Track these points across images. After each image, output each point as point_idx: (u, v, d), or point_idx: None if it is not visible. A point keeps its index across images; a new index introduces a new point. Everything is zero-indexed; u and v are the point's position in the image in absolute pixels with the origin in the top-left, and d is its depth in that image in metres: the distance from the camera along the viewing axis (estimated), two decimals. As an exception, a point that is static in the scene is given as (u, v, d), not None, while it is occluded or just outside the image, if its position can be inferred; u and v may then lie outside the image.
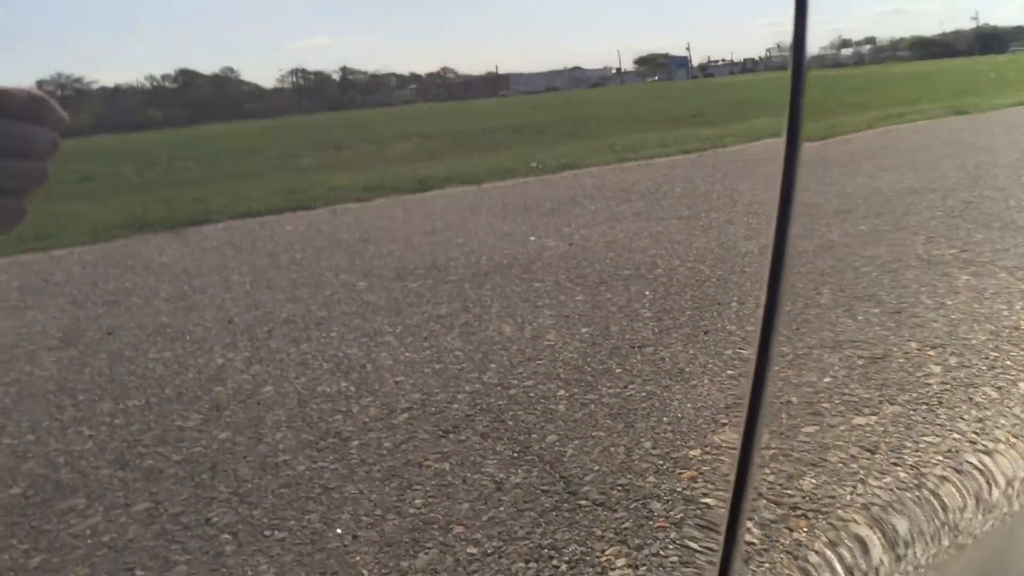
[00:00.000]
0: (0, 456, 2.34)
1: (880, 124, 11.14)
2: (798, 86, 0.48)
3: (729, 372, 2.51)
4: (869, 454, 1.92)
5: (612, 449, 2.09)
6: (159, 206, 7.80)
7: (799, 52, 0.48)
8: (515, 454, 2.11)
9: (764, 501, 1.74)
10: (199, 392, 2.73)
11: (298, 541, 1.78)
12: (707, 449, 2.05)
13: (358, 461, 2.14)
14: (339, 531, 1.80)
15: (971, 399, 2.14)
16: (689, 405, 2.32)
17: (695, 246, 4.39)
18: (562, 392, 2.50)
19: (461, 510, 1.85)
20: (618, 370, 2.66)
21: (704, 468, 1.95)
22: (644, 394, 2.44)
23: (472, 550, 1.70)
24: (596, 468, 2.00)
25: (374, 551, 1.71)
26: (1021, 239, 3.93)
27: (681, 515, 1.75)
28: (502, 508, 1.84)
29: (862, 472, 1.83)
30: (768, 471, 1.88)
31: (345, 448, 2.21)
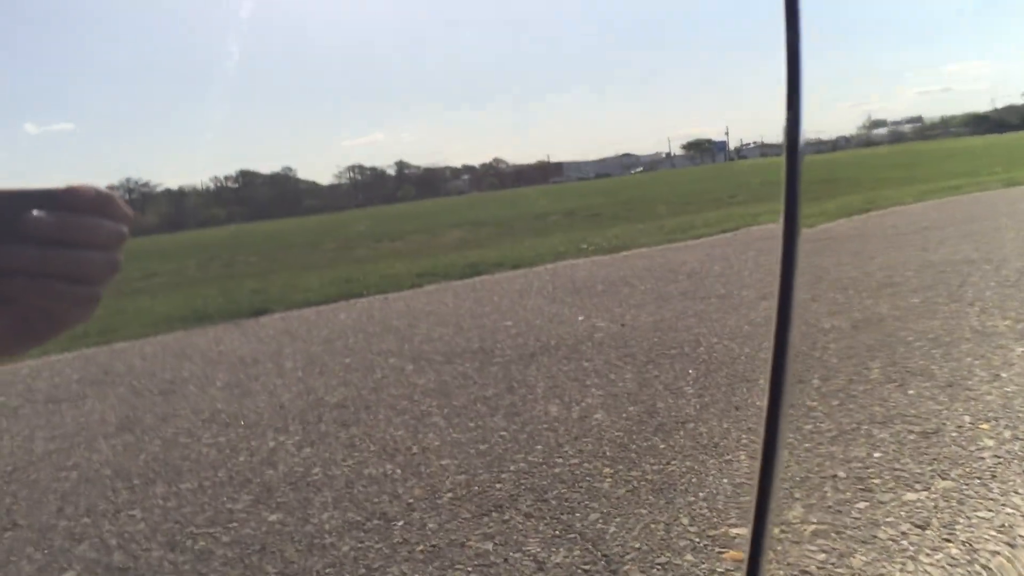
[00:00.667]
0: (57, 539, 2.40)
1: (931, 196, 11.06)
2: (793, 167, 0.48)
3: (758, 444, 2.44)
4: (920, 530, 1.87)
5: (652, 526, 2.07)
6: (219, 298, 8.04)
7: (793, 133, 0.48)
8: (558, 533, 2.10)
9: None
10: (250, 475, 2.78)
11: None
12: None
13: (401, 541, 2.15)
14: None
15: (1026, 472, 2.15)
16: (726, 480, 2.31)
17: (728, 324, 4.40)
18: (607, 470, 2.50)
19: None
20: (662, 446, 2.65)
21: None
22: (684, 469, 2.42)
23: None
24: (637, 546, 1.99)
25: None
26: None
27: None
28: None
29: (912, 549, 1.79)
30: (816, 547, 1.85)
31: (389, 528, 2.23)
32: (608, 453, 2.62)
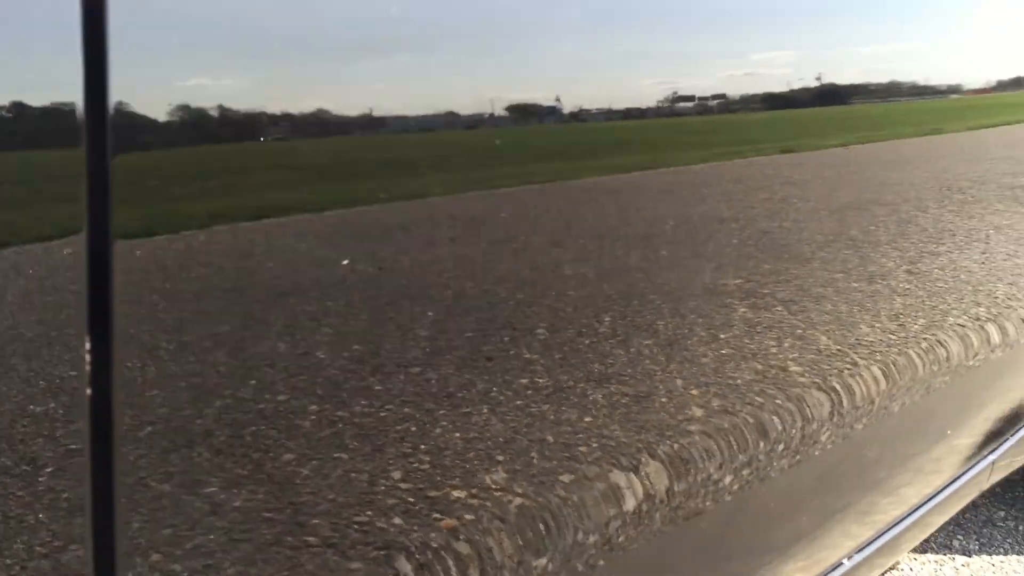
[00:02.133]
0: None
1: (714, 160, 11.79)
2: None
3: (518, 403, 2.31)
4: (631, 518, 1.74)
5: (353, 476, 1.81)
6: None
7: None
8: (245, 473, 1.79)
9: None
10: None
11: None
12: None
13: (46, 489, 1.74)
14: (7, 560, 1.43)
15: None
16: (458, 435, 2.10)
17: (497, 269, 4.21)
18: (313, 407, 2.22)
19: (162, 536, 1.51)
20: (378, 388, 2.41)
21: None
22: (400, 416, 2.20)
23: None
24: (331, 497, 1.72)
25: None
26: (803, 271, 4.04)
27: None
28: (211, 536, 1.52)
29: None
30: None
31: (37, 475, 1.81)
32: (319, 392, 2.34)
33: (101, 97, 0.45)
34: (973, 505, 2.45)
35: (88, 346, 0.49)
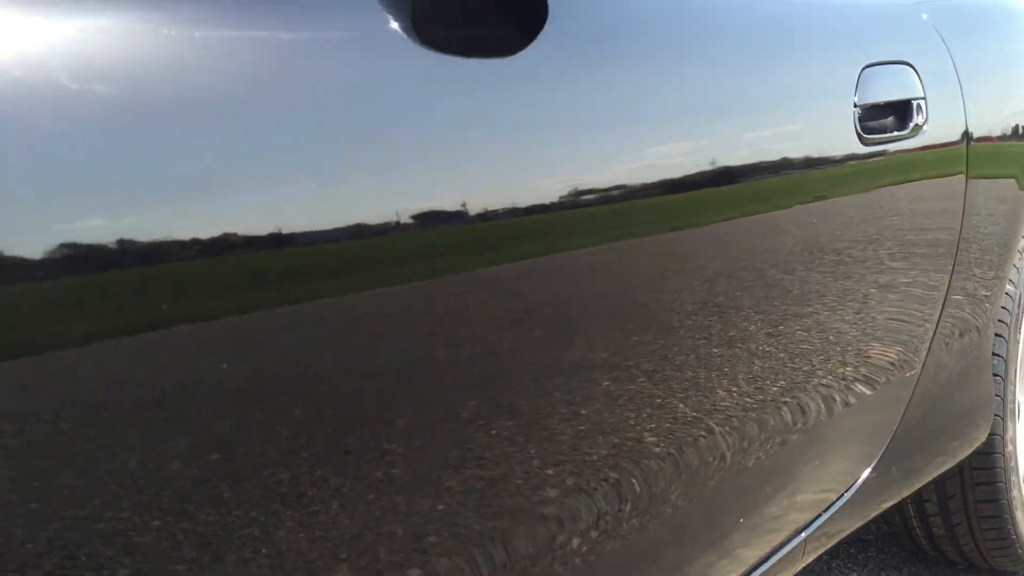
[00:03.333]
0: None
1: (605, 243, 11.92)
2: None
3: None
4: None
5: None
6: None
7: None
8: None
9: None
10: None
11: None
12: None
13: None
14: None
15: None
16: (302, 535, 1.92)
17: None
18: (156, 523, 1.98)
19: None
20: (227, 495, 2.17)
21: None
22: (247, 520, 1.99)
23: None
24: None
25: None
26: (668, 340, 4.11)
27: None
28: None
29: None
30: None
31: None
32: (164, 505, 2.10)
33: None
34: (828, 568, 2.48)
35: None
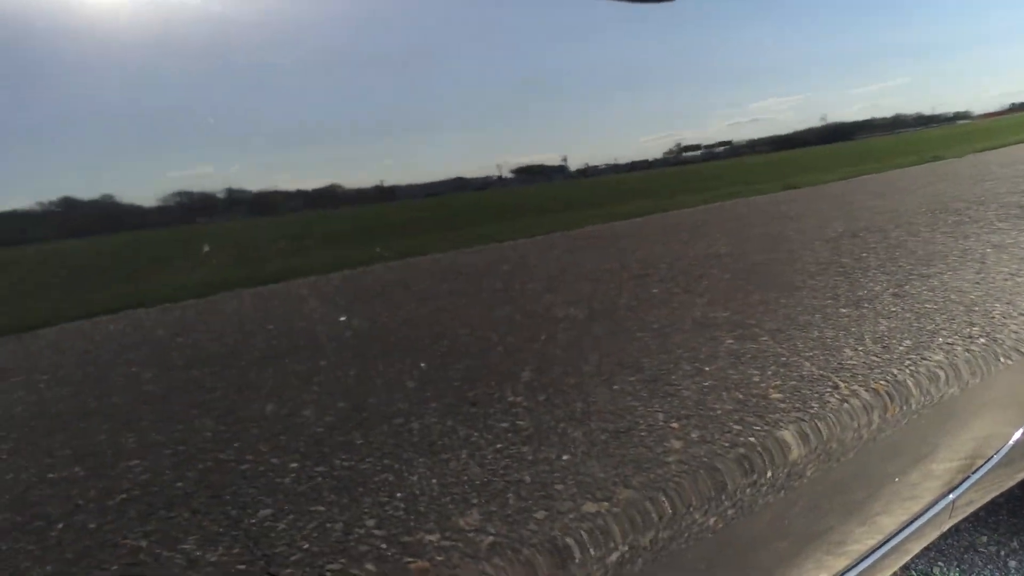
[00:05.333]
0: None
1: (713, 201, 11.90)
2: None
3: (498, 446, 2.27)
4: (599, 549, 1.71)
5: (328, 526, 1.80)
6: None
7: None
8: (220, 530, 1.79)
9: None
10: None
11: None
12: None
13: (55, 544, 1.75)
14: None
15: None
16: (435, 481, 2.07)
17: (492, 316, 4.21)
18: (293, 465, 2.21)
19: None
20: (359, 441, 2.39)
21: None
22: (380, 467, 2.17)
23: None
24: (305, 547, 1.71)
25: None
26: (791, 300, 4.06)
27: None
28: None
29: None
30: (491, 568, 1.64)
31: (48, 530, 1.82)
32: (301, 449, 2.33)
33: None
34: (955, 530, 2.41)
35: None
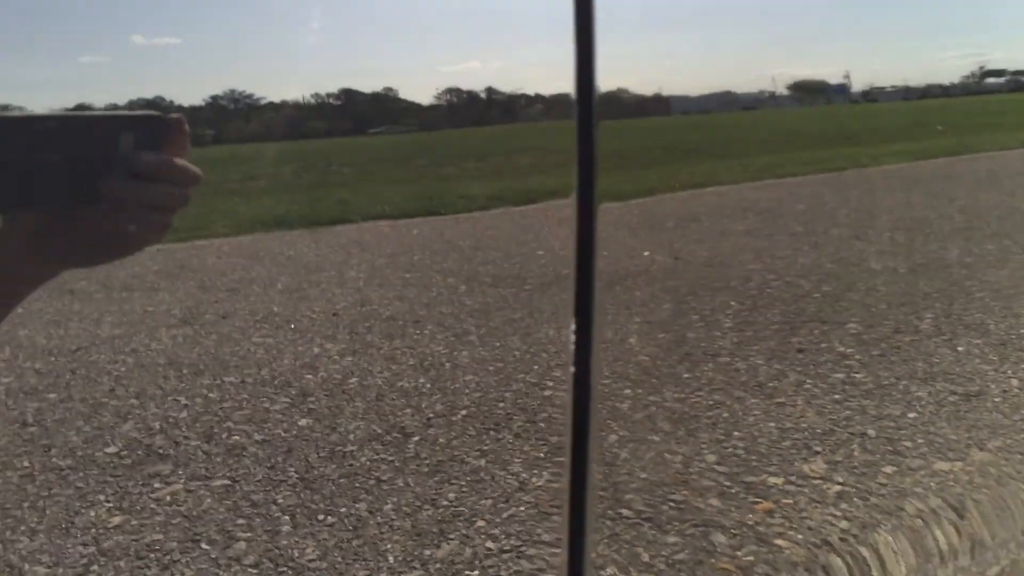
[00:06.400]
0: (106, 415, 2.58)
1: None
2: (588, 131, 0.44)
3: (835, 396, 2.31)
4: (952, 512, 1.66)
5: (668, 457, 1.98)
6: (304, 206, 8.16)
7: (586, 98, 0.44)
8: (543, 455, 2.14)
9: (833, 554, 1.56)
10: (290, 377, 2.91)
11: (343, 528, 1.88)
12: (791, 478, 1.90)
13: (413, 455, 2.24)
14: (379, 520, 1.90)
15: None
16: (772, 424, 2.15)
17: (799, 261, 4.20)
18: (627, 392, 2.44)
19: (485, 505, 1.91)
20: (686, 375, 2.59)
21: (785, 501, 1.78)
22: (711, 403, 2.31)
23: (491, 545, 1.75)
24: (644, 477, 1.93)
25: (403, 540, 1.80)
26: None
27: (751, 558, 1.56)
28: (522, 508, 1.88)
29: (941, 534, 1.61)
30: (839, 513, 1.67)
31: (406, 442, 2.32)
32: (631, 376, 2.59)
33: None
34: None
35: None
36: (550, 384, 2.65)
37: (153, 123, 0.46)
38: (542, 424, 2.33)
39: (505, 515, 1.86)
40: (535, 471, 2.06)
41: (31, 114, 0.43)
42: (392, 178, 12.46)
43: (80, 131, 0.44)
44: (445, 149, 21.09)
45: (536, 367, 2.82)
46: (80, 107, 0.46)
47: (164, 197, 0.46)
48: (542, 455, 2.14)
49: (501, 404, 2.51)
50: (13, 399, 2.71)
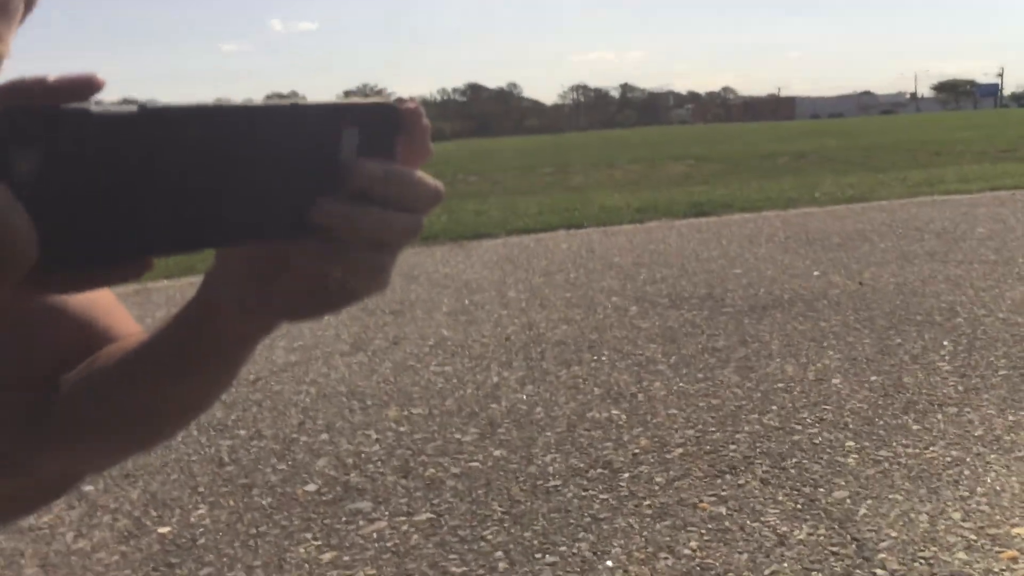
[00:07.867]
0: (299, 452, 2.57)
1: None
2: None
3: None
4: None
5: (912, 516, 1.89)
6: (443, 217, 8.04)
7: None
8: (799, 506, 2.01)
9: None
10: (476, 408, 2.86)
11: (568, 568, 1.83)
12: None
13: (628, 494, 2.15)
14: (609, 563, 1.84)
15: None
16: (1015, 479, 2.05)
17: (1008, 296, 3.94)
18: (850, 444, 2.33)
19: (740, 560, 1.82)
20: (915, 427, 2.43)
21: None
22: (950, 459, 2.18)
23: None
24: (893, 535, 1.84)
25: (646, 589, 1.71)
26: None
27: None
28: (785, 564, 1.79)
29: None
30: None
31: (615, 479, 2.24)
32: (851, 425, 2.46)
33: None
34: None
35: None
36: (798, 427, 2.50)
37: (385, 114, 0.31)
38: (793, 472, 2.19)
39: (767, 572, 1.77)
40: (795, 523, 1.93)
41: (206, 104, 0.26)
42: (522, 188, 12.51)
43: (286, 128, 0.28)
44: (573, 155, 21.01)
45: (774, 407, 2.66)
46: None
47: (397, 227, 0.31)
48: (799, 506, 2.01)
49: (733, 447, 2.38)
50: (205, 435, 2.72)
